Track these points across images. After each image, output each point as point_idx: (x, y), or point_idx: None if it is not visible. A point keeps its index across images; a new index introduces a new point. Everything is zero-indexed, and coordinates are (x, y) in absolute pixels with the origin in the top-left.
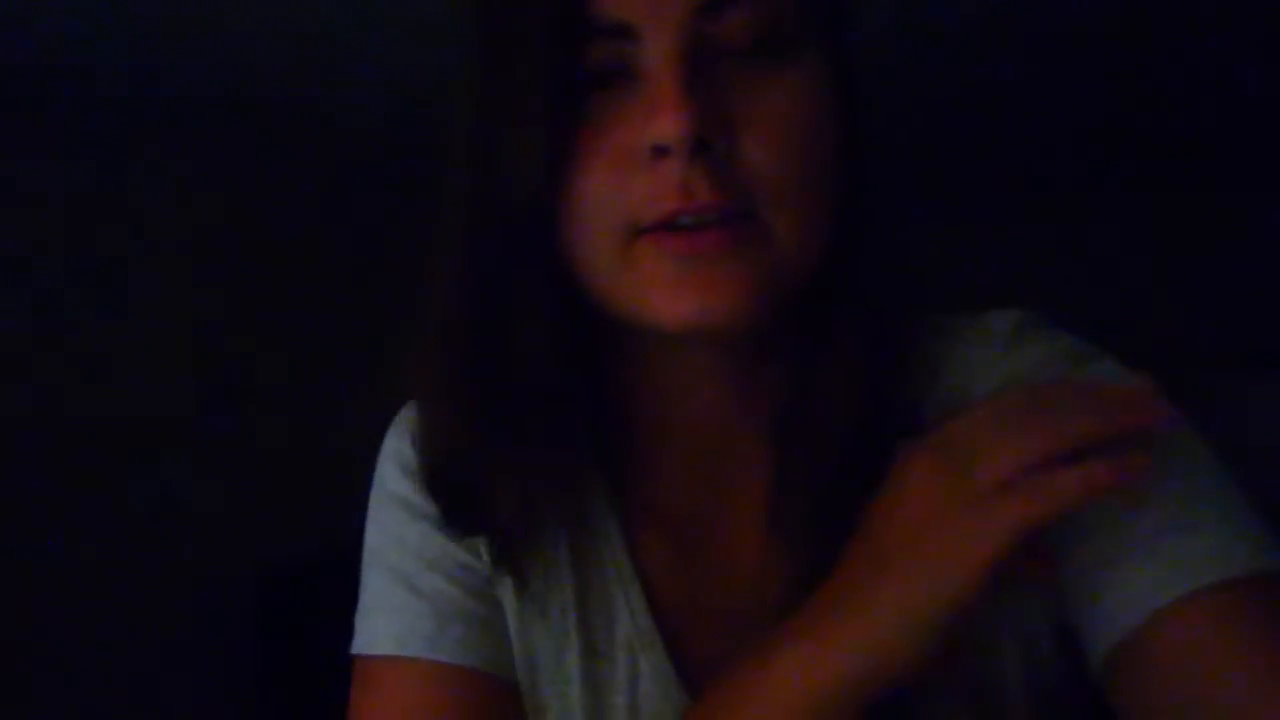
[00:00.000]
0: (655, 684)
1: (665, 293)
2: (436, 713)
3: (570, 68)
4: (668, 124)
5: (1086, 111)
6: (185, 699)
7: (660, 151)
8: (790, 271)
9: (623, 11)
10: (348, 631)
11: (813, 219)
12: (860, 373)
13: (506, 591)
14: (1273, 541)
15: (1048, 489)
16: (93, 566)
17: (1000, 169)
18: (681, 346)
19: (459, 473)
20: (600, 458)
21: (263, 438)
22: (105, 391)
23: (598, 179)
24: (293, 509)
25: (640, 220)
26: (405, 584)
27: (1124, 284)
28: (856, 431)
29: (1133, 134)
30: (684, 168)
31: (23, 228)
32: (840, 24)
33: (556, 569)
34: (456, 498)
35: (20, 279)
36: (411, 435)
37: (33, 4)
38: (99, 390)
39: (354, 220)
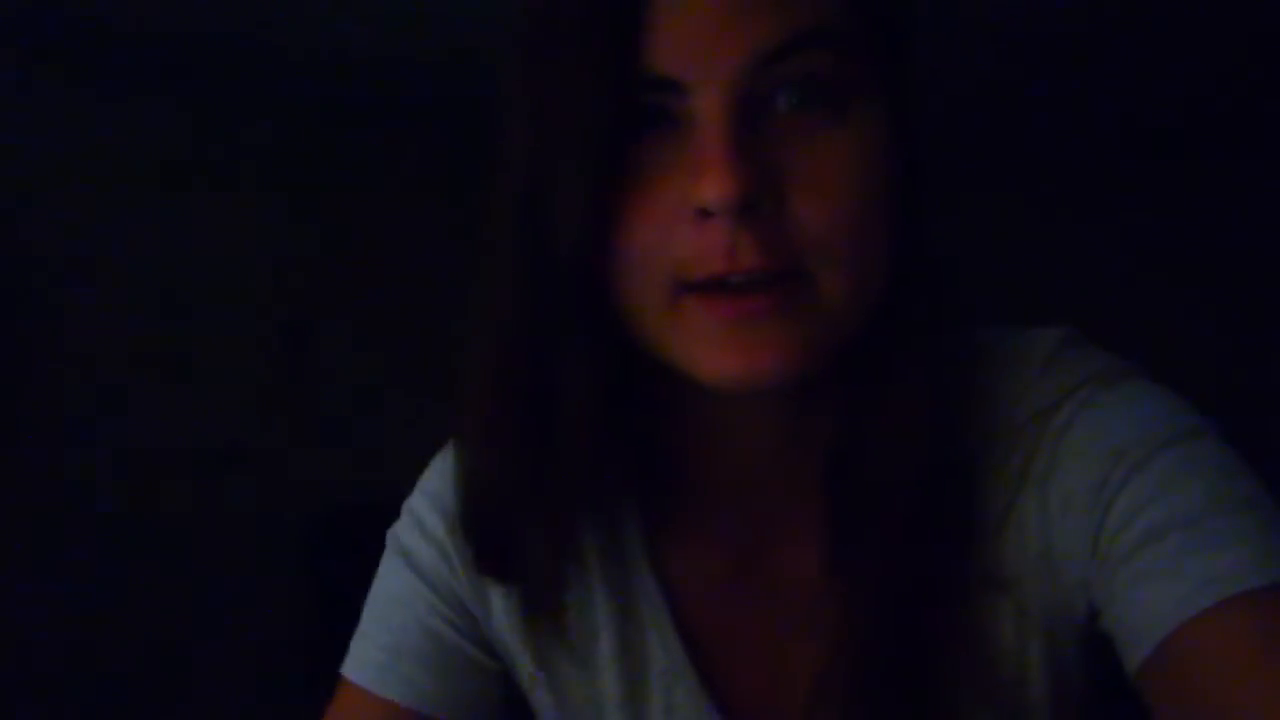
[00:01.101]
0: (692, 713)
1: (712, 353)
2: None
3: (616, 119)
4: (714, 187)
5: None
6: (236, 651)
7: (707, 213)
8: (841, 327)
9: (674, 67)
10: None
11: (865, 275)
12: (917, 410)
13: (519, 643)
14: None
15: None
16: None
17: (1003, 166)
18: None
19: (498, 518)
20: (635, 491)
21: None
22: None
23: (644, 233)
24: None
25: (687, 276)
26: (384, 606)
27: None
28: (917, 472)
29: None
30: (731, 229)
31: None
32: (903, 71)
33: (591, 610)
34: (493, 543)
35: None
36: (450, 477)
37: None
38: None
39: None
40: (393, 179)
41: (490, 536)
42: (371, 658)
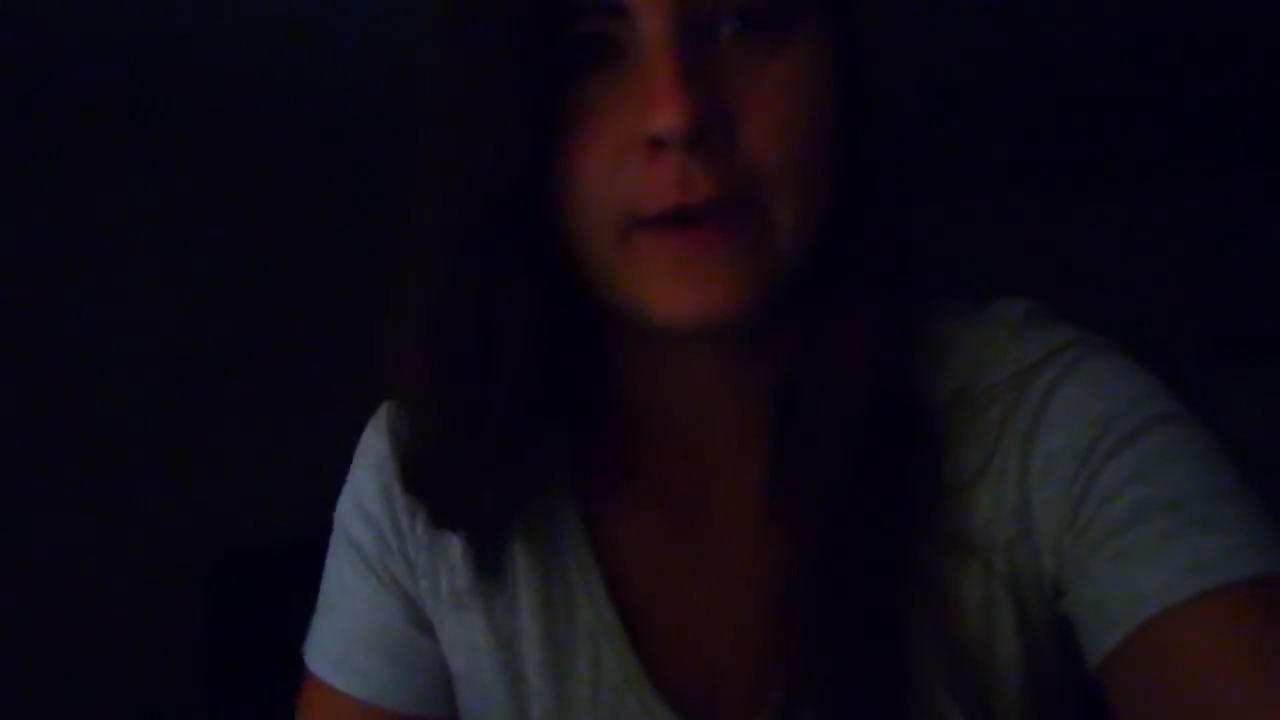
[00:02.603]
0: (619, 674)
1: (665, 290)
2: None
3: (552, 47)
4: (665, 117)
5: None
6: (135, 683)
7: (658, 143)
8: (789, 260)
9: None
10: (292, 620)
11: (814, 201)
12: (862, 352)
13: (442, 600)
14: None
15: None
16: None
17: (990, 156)
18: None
19: (439, 471)
20: (569, 445)
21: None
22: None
23: (592, 167)
24: (243, 501)
25: (638, 211)
26: (336, 594)
27: (1113, 272)
28: (859, 414)
29: (1132, 119)
30: (682, 160)
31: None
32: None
33: (511, 559)
34: (437, 494)
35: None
36: (390, 432)
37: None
38: (74, 382)
39: (338, 213)
40: (293, 207)
41: (434, 488)
42: (327, 646)
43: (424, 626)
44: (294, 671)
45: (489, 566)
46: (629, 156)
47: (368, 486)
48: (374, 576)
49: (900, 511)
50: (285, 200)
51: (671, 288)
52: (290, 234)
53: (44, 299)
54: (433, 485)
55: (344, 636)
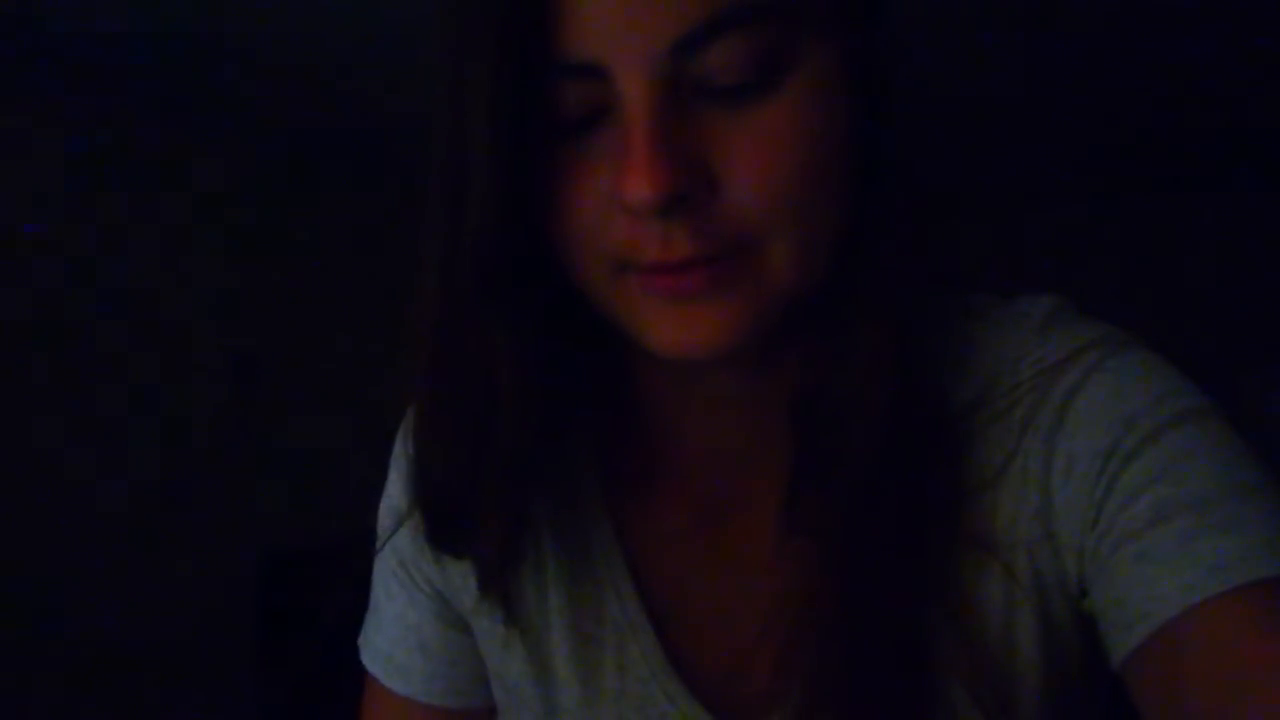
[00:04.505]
0: (645, 667)
1: (654, 325)
2: None
3: (533, 109)
4: (635, 191)
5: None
6: (187, 685)
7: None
8: (789, 289)
9: (589, 50)
10: (345, 621)
11: (813, 238)
12: (881, 362)
13: (476, 601)
14: None
15: None
16: (99, 556)
17: (997, 171)
18: None
19: (442, 499)
20: (595, 450)
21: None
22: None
23: (581, 219)
24: (296, 500)
25: (625, 261)
26: (380, 594)
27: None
28: (879, 422)
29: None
30: (662, 224)
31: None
32: (856, 17)
33: (541, 561)
34: (442, 524)
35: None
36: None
37: None
38: (115, 380)
39: (398, 213)
40: (350, 207)
41: (441, 513)
42: (375, 644)
43: (460, 624)
44: (344, 666)
45: (494, 591)
46: (615, 212)
47: (399, 491)
48: (410, 579)
49: (921, 513)
50: (346, 201)
51: (660, 324)
52: (353, 230)
53: (113, 294)
54: (434, 509)
55: (388, 635)
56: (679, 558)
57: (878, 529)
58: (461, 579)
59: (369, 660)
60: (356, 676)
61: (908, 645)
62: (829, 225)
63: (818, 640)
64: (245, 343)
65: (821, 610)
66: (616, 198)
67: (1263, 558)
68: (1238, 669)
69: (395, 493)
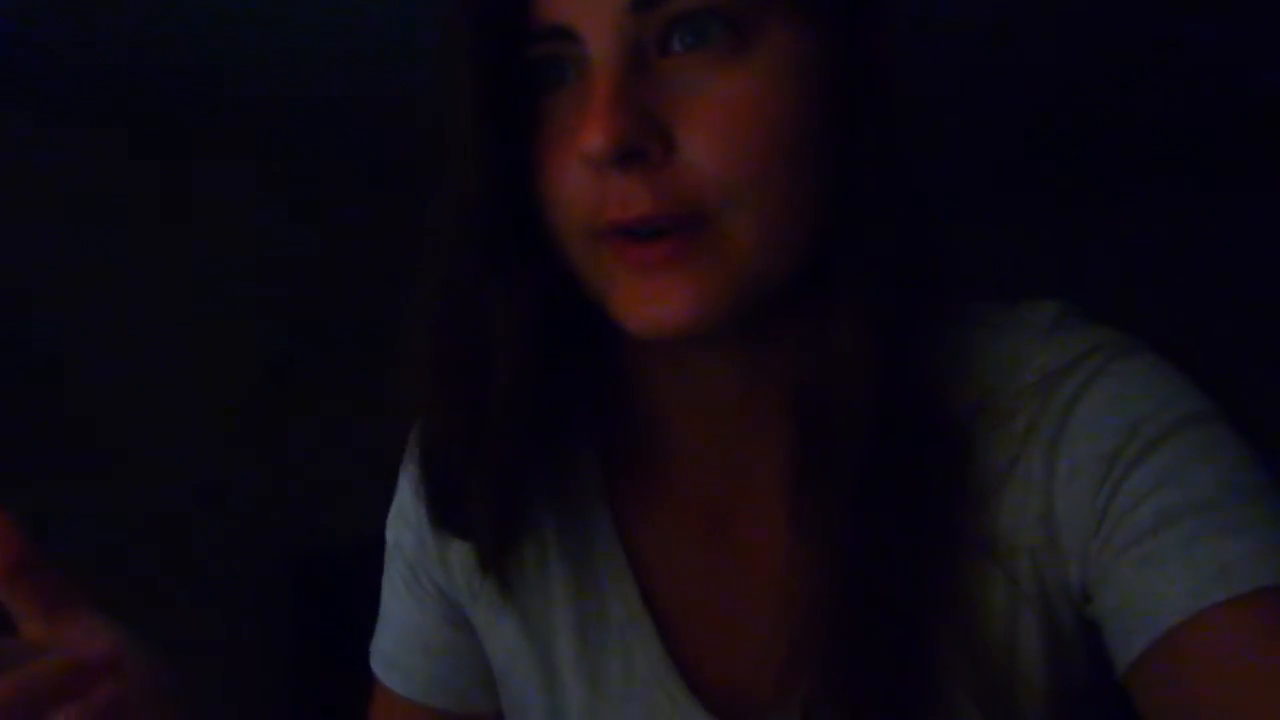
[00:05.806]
0: (649, 671)
1: (626, 298)
2: None
3: (509, 70)
4: (589, 139)
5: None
6: (218, 685)
7: (592, 164)
8: (758, 270)
9: (557, 14)
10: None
11: (779, 216)
12: (866, 354)
13: (480, 601)
14: None
15: None
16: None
17: (996, 164)
18: None
19: (443, 476)
20: (596, 449)
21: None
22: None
23: (557, 181)
24: (327, 498)
25: (594, 225)
26: (388, 598)
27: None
28: (873, 424)
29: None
30: (619, 179)
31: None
32: (834, 5)
33: (546, 568)
34: (442, 501)
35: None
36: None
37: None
38: (140, 386)
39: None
40: (381, 209)
41: (440, 492)
42: (383, 647)
43: (466, 627)
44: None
45: (492, 570)
46: (585, 173)
47: (407, 492)
48: (416, 581)
49: (924, 517)
50: (371, 201)
51: (627, 298)
52: (380, 230)
53: (144, 295)
54: (434, 489)
55: (394, 639)
56: (682, 561)
57: (879, 532)
58: (465, 580)
59: (375, 663)
60: None
61: (911, 649)
62: (794, 208)
63: (821, 643)
64: (279, 345)
65: (825, 613)
66: (577, 151)
67: (1269, 563)
68: (1242, 678)
69: (402, 490)
